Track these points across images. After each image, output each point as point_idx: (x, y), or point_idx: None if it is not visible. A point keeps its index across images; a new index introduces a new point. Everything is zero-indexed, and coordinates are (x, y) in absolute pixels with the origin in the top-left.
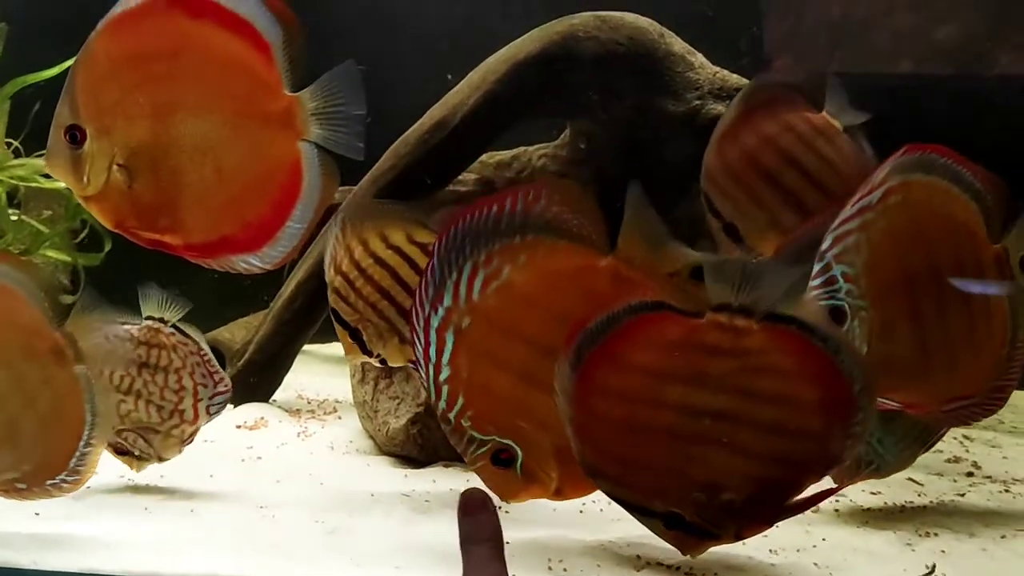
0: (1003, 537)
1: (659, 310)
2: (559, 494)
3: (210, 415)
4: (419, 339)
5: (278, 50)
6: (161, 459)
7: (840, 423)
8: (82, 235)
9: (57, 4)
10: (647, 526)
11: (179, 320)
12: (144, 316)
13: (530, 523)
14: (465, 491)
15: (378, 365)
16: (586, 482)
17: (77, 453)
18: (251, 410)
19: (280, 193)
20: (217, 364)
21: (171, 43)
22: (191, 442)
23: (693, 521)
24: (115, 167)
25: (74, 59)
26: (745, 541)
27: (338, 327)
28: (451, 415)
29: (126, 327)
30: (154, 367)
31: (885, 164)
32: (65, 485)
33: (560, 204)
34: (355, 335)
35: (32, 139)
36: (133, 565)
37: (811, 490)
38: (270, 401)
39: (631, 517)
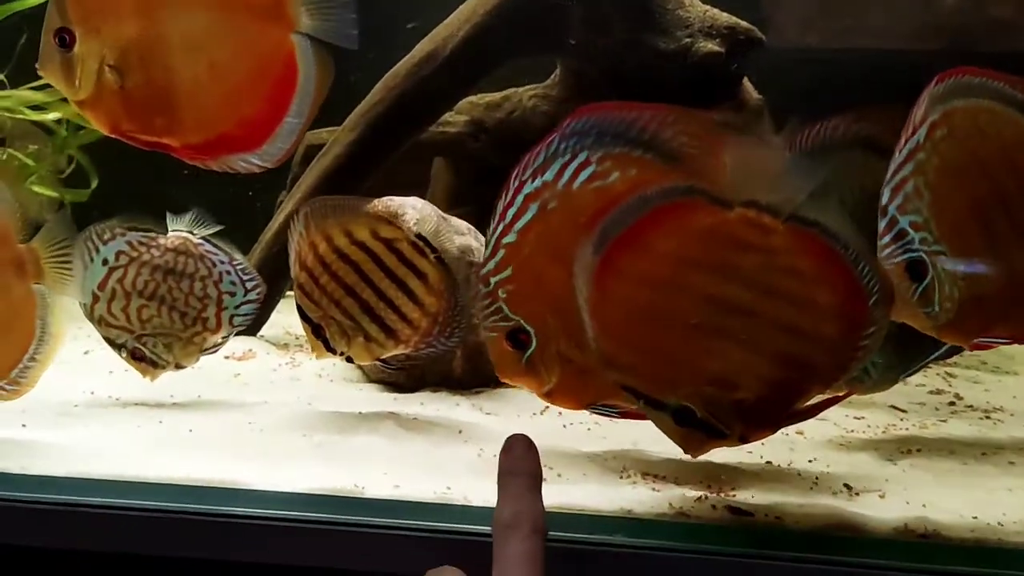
0: (984, 454)
1: (690, 195)
2: (548, 396)
3: (233, 326)
4: (505, 195)
5: None
6: (178, 366)
7: (852, 333)
8: (68, 170)
9: None
10: (655, 420)
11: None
12: (172, 229)
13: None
14: (512, 435)
15: (344, 362)
16: (576, 399)
17: (20, 365)
18: (239, 343)
19: (276, 88)
20: (254, 272)
21: None
22: (214, 352)
23: (703, 417)
24: (106, 68)
25: None
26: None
27: (303, 323)
28: (493, 279)
29: (151, 234)
30: (180, 274)
31: (920, 100)
32: (2, 393)
33: (691, 137)
34: (318, 331)
35: (18, 72)
36: (120, 469)
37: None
38: (257, 336)
39: (613, 434)
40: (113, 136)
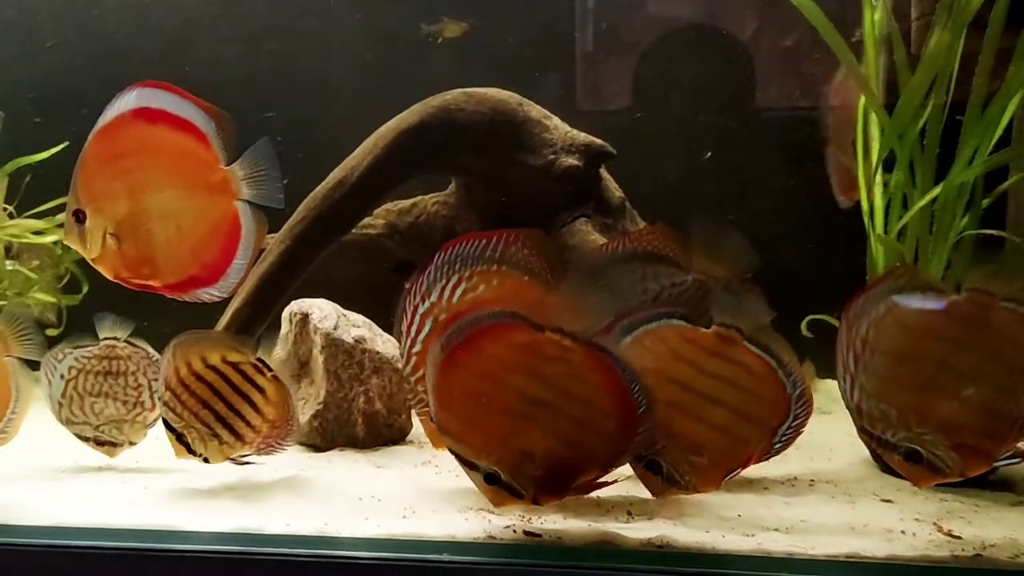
0: (750, 483)
1: (513, 319)
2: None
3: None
4: (406, 316)
5: (212, 137)
6: (132, 443)
7: (625, 431)
8: (64, 280)
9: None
10: (472, 479)
11: (129, 335)
12: (102, 338)
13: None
14: None
15: (202, 463)
16: None
17: (5, 419)
18: None
19: (226, 240)
20: None
21: (136, 144)
22: (153, 425)
23: (506, 481)
24: (108, 235)
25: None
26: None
27: (167, 432)
28: (411, 377)
29: (88, 347)
30: (115, 373)
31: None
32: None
33: (530, 248)
34: (181, 438)
35: (24, 203)
36: (93, 519)
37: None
38: None
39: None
40: (115, 281)
